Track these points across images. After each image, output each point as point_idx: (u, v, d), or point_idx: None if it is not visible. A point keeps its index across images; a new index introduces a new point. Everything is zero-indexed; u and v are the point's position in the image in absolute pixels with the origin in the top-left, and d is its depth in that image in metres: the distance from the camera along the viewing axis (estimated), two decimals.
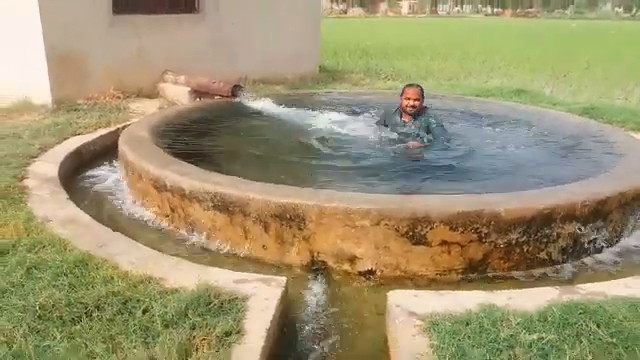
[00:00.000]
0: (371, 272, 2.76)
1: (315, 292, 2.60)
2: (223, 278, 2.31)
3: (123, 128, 4.62)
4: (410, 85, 4.52)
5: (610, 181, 3.09)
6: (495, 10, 79.78)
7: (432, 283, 2.70)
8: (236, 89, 5.92)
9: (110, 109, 5.77)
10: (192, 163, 3.32)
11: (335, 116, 5.34)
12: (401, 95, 4.49)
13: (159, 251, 2.64)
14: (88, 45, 6.15)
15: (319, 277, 2.74)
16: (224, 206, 2.89)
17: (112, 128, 5.04)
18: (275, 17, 8.32)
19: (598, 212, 2.85)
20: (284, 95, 6.57)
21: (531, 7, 77.68)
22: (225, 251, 2.98)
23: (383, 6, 70.55)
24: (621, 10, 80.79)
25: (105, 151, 4.62)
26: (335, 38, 16.78)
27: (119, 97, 6.28)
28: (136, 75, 6.60)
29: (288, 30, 8.54)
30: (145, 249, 2.62)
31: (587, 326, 1.91)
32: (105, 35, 6.33)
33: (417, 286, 2.66)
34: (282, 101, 5.82)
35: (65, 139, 4.58)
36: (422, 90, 4.48)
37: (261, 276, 2.35)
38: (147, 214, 3.42)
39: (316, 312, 2.43)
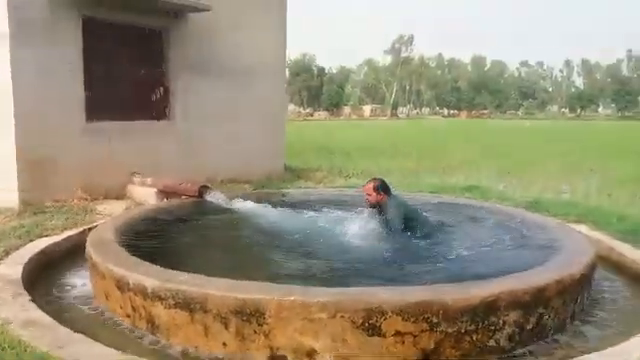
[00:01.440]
0: None
1: None
2: None
3: (89, 229, 4.71)
4: (369, 181, 4.82)
5: (548, 271, 3.34)
6: (451, 112, 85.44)
7: None
8: (203, 189, 6.10)
9: (77, 211, 5.87)
10: (156, 263, 3.41)
11: (294, 213, 5.60)
12: None
13: (119, 350, 2.67)
14: (59, 150, 6.37)
15: None
16: (185, 304, 2.97)
17: (79, 229, 5.11)
18: (242, 121, 8.79)
19: (539, 299, 3.06)
20: (250, 193, 6.81)
21: (485, 109, 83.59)
22: (185, 349, 3.01)
23: (347, 109, 74.87)
24: (567, 111, 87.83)
25: (72, 251, 4.65)
26: (301, 139, 17.58)
27: (86, 199, 6.40)
28: (105, 178, 6.78)
29: (255, 133, 9.01)
30: (104, 349, 2.67)
31: None
32: (77, 141, 6.59)
33: None
34: (248, 199, 6.03)
35: (31, 241, 4.63)
36: (378, 185, 4.73)
37: None
38: (110, 314, 3.45)
39: None
